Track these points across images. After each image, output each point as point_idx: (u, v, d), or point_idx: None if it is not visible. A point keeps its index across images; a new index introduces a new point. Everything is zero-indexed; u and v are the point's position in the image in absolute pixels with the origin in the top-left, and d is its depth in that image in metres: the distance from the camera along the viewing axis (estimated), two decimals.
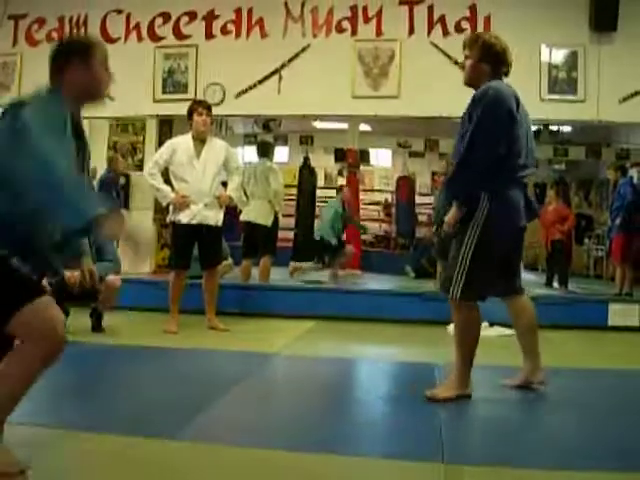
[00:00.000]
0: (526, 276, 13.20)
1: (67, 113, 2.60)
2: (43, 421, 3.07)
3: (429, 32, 7.96)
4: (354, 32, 8.12)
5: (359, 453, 2.85)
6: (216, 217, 6.12)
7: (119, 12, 8.49)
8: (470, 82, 3.93)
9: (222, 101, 8.12)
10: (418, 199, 15.80)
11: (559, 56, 7.77)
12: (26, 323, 2.44)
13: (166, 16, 8.39)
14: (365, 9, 8.09)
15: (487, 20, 7.86)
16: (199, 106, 6.21)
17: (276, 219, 8.10)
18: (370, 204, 16.52)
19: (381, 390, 3.93)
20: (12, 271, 2.50)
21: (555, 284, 10.40)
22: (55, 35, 8.60)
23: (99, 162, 10.44)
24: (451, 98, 7.71)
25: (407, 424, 3.30)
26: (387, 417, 3.48)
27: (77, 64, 2.67)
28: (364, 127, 12.48)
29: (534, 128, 14.08)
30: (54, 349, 2.45)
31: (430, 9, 7.97)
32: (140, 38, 8.46)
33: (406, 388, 4.16)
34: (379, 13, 8.04)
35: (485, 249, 3.69)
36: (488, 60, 3.82)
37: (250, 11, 8.24)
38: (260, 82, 8.10)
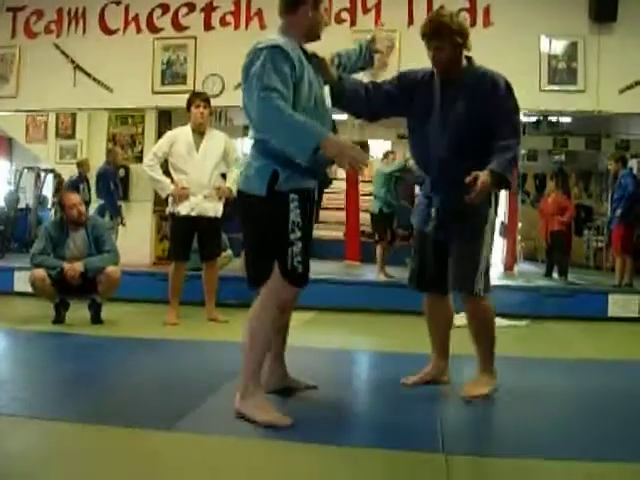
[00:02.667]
0: (526, 267, 13.26)
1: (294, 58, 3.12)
2: (40, 413, 3.08)
3: None
4: (353, 23, 8.08)
5: (357, 444, 2.85)
6: (215, 209, 6.12)
7: (118, 3, 8.45)
8: (450, 73, 3.62)
9: (221, 92, 8.10)
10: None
11: (559, 47, 7.74)
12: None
13: (165, 7, 8.36)
14: (364, 0, 8.06)
15: (486, 11, 7.82)
16: (197, 98, 6.20)
17: None
18: (370, 195, 16.46)
19: (380, 381, 3.93)
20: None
21: (555, 275, 10.41)
22: (54, 27, 8.58)
23: (98, 154, 10.46)
24: None
25: (406, 415, 3.31)
26: (386, 408, 3.48)
27: (307, 8, 3.22)
28: None
29: (534, 118, 14.03)
30: None
31: (429, 0, 7.94)
32: (139, 29, 8.42)
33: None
34: (378, 4, 8.01)
35: (491, 242, 3.71)
36: (463, 44, 3.56)
37: (249, 2, 8.20)
38: None
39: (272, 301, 3.11)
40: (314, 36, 3.29)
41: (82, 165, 10.45)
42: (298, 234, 3.09)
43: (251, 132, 3.24)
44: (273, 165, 3.09)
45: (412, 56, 7.80)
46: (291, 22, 3.25)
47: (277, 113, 2.96)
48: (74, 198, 6.05)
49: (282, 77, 3.03)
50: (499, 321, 6.62)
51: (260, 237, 3.19)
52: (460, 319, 6.59)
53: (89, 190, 10.18)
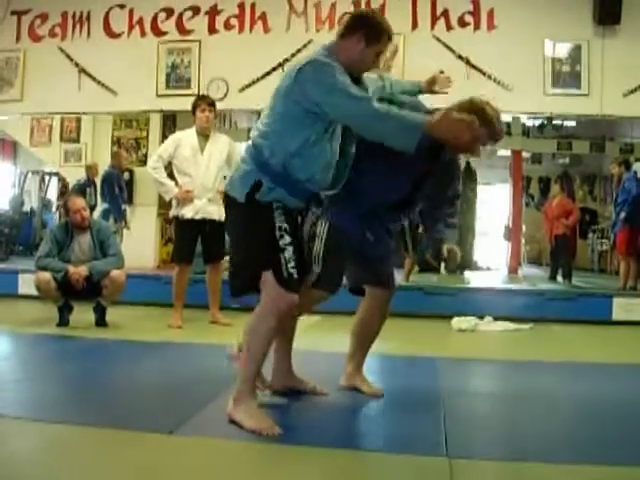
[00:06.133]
0: (530, 270, 13.25)
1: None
2: (44, 415, 3.08)
3: (432, 26, 7.94)
4: None
5: (361, 447, 2.85)
6: (219, 212, 6.11)
7: (122, 7, 8.47)
8: None
9: (226, 95, 8.12)
10: None
11: (563, 50, 7.74)
12: None
13: (169, 11, 8.38)
14: (368, 3, 8.06)
15: (490, 14, 7.82)
16: (202, 102, 6.22)
17: None
18: None
19: (383, 384, 3.92)
20: None
21: (559, 278, 10.41)
22: (58, 31, 8.60)
23: (103, 157, 10.48)
24: (454, 91, 7.69)
25: (409, 418, 3.30)
26: (389, 411, 3.48)
27: (359, 41, 3.08)
28: None
29: (538, 122, 13.97)
30: None
31: (433, 3, 7.94)
32: (143, 33, 8.44)
33: (408, 382, 4.16)
34: (382, 7, 8.01)
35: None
36: None
37: (253, 6, 8.21)
38: (263, 76, 8.09)
39: (270, 312, 3.04)
40: (355, 71, 3.12)
41: (90, 169, 10.45)
42: (287, 239, 3.03)
43: (253, 133, 3.20)
44: (258, 173, 3.05)
45: (416, 59, 7.87)
46: (339, 46, 3.12)
47: (376, 117, 2.91)
48: (79, 203, 6.05)
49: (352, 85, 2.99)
50: (504, 324, 6.68)
51: (245, 244, 3.16)
52: (461, 322, 6.64)
53: (96, 194, 10.18)
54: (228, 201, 3.21)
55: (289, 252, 3.02)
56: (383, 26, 3.13)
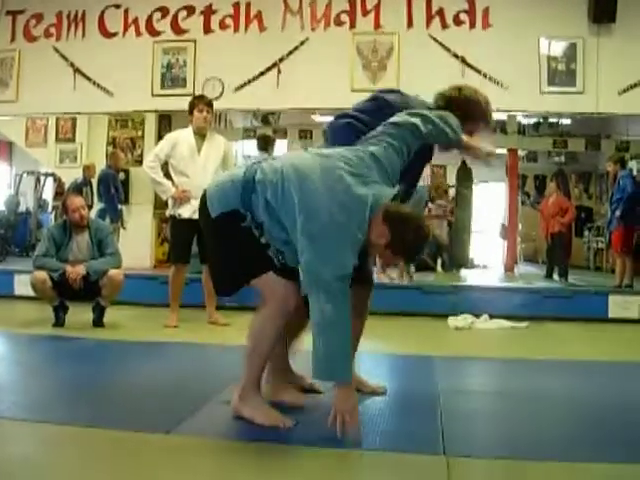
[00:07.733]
0: (526, 268, 13.24)
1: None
2: (40, 417, 3.07)
3: (428, 25, 7.94)
4: (352, 25, 8.09)
5: (358, 447, 2.85)
6: None
7: (117, 7, 8.46)
8: None
9: (221, 95, 8.11)
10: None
11: (558, 48, 7.75)
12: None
13: (164, 10, 8.37)
14: (363, 2, 8.06)
15: (485, 13, 7.83)
16: (200, 102, 6.22)
17: None
18: None
19: (380, 383, 3.93)
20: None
21: (555, 276, 10.42)
22: (53, 31, 8.58)
23: (98, 158, 10.47)
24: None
25: (406, 417, 3.30)
26: (385, 409, 3.48)
27: (382, 233, 2.82)
28: None
29: (533, 120, 13.98)
30: None
31: (428, 2, 7.94)
32: (138, 33, 8.43)
33: (405, 380, 4.16)
34: (377, 6, 8.02)
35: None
36: None
37: (248, 5, 8.21)
38: (259, 76, 8.09)
39: (278, 313, 2.99)
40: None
41: (88, 169, 10.45)
42: (268, 236, 2.94)
43: (258, 155, 3.13)
44: (241, 205, 2.95)
45: (411, 57, 7.88)
46: (378, 217, 2.83)
47: (334, 325, 2.80)
48: (77, 202, 6.04)
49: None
50: (500, 322, 6.69)
51: (227, 250, 3.04)
52: (458, 321, 6.65)
53: (92, 194, 10.18)
54: (202, 205, 3.11)
55: (274, 247, 2.96)
56: (411, 241, 2.87)
